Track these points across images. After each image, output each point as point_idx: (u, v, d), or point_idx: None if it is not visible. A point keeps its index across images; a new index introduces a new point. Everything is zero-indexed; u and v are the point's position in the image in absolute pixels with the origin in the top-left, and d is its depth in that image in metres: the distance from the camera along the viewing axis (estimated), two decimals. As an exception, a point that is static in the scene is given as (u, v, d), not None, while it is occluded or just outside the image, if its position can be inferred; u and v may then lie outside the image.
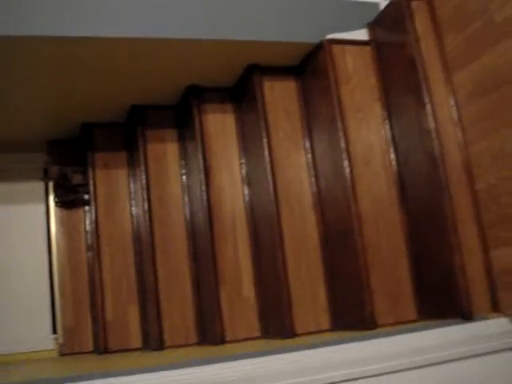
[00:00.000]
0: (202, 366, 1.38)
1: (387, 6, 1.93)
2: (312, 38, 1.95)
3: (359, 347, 1.51)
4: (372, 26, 2.00)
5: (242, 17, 1.89)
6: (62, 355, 2.25)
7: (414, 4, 1.86)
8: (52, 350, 2.29)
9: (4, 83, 1.91)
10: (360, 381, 1.46)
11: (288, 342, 1.76)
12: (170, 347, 2.07)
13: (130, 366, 1.56)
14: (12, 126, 2.27)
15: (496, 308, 1.68)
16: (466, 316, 1.62)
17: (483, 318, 1.64)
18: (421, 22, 1.86)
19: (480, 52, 1.70)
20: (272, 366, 1.41)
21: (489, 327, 1.62)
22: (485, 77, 1.69)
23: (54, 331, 2.32)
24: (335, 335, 1.74)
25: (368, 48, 1.99)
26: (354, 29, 2.01)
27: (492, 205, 1.68)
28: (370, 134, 1.92)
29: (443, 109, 1.79)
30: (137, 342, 2.20)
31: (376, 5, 2.04)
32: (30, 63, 1.80)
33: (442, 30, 1.85)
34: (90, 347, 2.25)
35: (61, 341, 2.27)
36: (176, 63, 1.98)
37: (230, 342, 1.97)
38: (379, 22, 1.97)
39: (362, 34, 2.01)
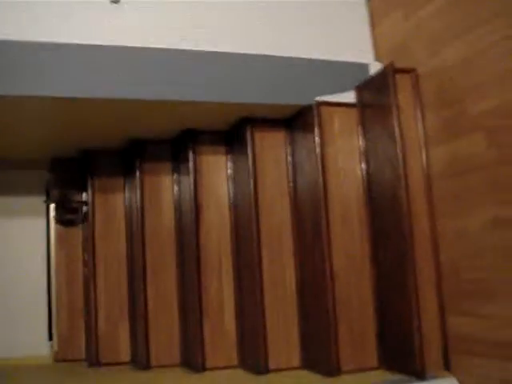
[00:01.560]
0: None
1: (375, 74, 2.06)
2: (303, 100, 2.09)
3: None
4: (360, 89, 2.14)
5: (237, 81, 2.02)
6: (56, 361, 2.46)
7: (398, 77, 1.99)
8: (47, 356, 2.49)
9: (11, 116, 2.04)
10: None
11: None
12: (155, 367, 2.28)
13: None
14: (16, 147, 2.43)
15: (448, 369, 1.88)
16: (419, 375, 1.83)
17: (435, 377, 1.84)
18: (403, 95, 2.00)
19: (453, 136, 1.86)
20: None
21: (440, 386, 1.83)
22: (454, 161, 1.86)
23: (50, 338, 2.51)
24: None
25: (354, 110, 2.13)
26: (344, 90, 2.14)
27: (452, 278, 1.87)
28: (349, 193, 2.08)
29: (417, 183, 1.95)
30: (126, 356, 2.40)
31: (366, 66, 2.17)
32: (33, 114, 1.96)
33: (423, 106, 1.99)
34: (83, 356, 2.45)
35: (56, 348, 2.48)
36: (176, 113, 2.13)
37: (211, 369, 2.18)
38: (367, 87, 2.10)
39: (350, 96, 2.14)
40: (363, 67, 2.16)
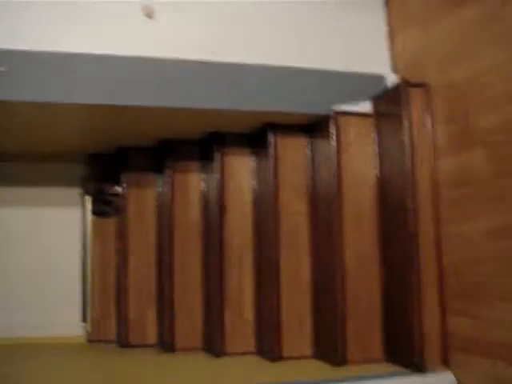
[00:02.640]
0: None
1: (390, 87, 2.20)
2: (321, 110, 2.24)
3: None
4: (376, 100, 2.28)
5: (260, 90, 2.20)
6: (89, 342, 2.69)
7: (411, 90, 2.13)
8: (81, 336, 2.72)
9: (54, 118, 2.26)
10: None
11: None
12: (179, 350, 2.48)
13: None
14: (55, 143, 2.64)
15: (446, 365, 2.03)
16: (419, 368, 1.98)
17: (433, 372, 2.00)
18: (416, 108, 2.13)
19: (458, 149, 2.00)
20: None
21: (437, 380, 1.99)
22: (458, 172, 2.00)
23: (84, 320, 2.74)
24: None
25: (370, 120, 2.28)
26: (361, 100, 2.28)
27: (453, 280, 2.02)
28: (362, 196, 2.24)
29: (424, 189, 2.09)
30: (153, 339, 2.60)
31: (383, 77, 2.30)
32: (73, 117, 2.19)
33: (434, 119, 2.13)
34: (114, 337, 2.66)
35: (89, 329, 2.71)
36: (203, 119, 2.32)
37: (229, 354, 2.37)
38: (382, 98, 2.24)
39: (366, 106, 2.28)
40: (380, 79, 2.29)
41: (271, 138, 2.35)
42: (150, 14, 2.11)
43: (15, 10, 1.98)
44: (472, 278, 1.93)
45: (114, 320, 2.69)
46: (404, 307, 2.07)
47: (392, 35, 2.39)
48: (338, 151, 2.22)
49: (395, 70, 2.35)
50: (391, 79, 2.27)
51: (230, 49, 2.22)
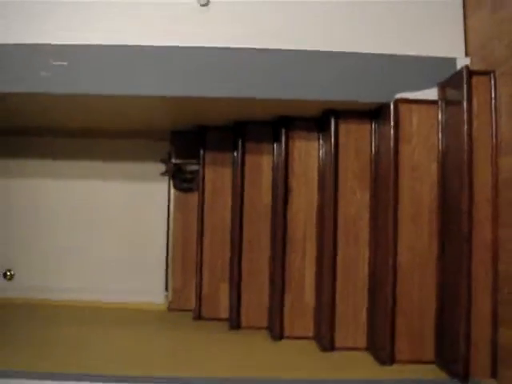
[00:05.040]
0: None
1: (455, 73, 2.03)
2: (383, 98, 2.14)
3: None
4: (442, 86, 2.11)
5: (323, 80, 2.15)
6: (169, 310, 2.85)
7: (474, 79, 1.95)
8: (162, 304, 2.89)
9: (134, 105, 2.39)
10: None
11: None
12: (245, 327, 2.56)
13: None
14: (141, 122, 2.78)
15: (495, 378, 1.90)
16: (462, 378, 1.88)
17: (478, 383, 1.89)
18: (478, 97, 1.95)
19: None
20: None
21: (480, 392, 1.88)
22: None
23: (166, 289, 2.91)
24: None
25: (435, 107, 2.12)
26: (428, 86, 2.13)
27: (505, 287, 1.87)
28: (422, 190, 2.12)
29: (483, 191, 1.93)
30: (224, 313, 2.69)
31: (453, 60, 2.13)
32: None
33: (499, 110, 1.93)
34: (192, 306, 2.79)
35: (170, 298, 2.87)
36: (271, 105, 2.32)
37: (288, 337, 2.41)
38: (449, 85, 2.08)
39: (433, 93, 2.13)
40: (450, 63, 2.12)
41: (333, 124, 2.29)
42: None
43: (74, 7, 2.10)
44: (526, 288, 1.78)
45: (193, 291, 2.80)
46: (454, 312, 1.96)
47: (466, 17, 2.18)
48: (397, 141, 2.11)
49: (467, 54, 2.15)
50: (463, 63, 2.07)
51: (292, 36, 2.19)
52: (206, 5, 2.13)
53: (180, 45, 2.14)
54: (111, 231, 2.99)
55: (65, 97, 2.16)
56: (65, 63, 2.09)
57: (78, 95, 2.14)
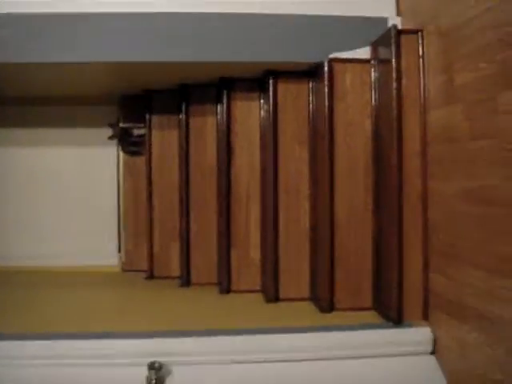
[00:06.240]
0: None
1: (385, 32, 2.10)
2: (317, 58, 2.20)
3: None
4: (374, 45, 2.19)
5: (261, 41, 2.21)
6: (123, 271, 2.93)
7: (403, 38, 2.03)
8: (116, 266, 2.97)
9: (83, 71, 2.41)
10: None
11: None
12: (195, 284, 2.66)
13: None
14: (89, 88, 2.80)
15: (427, 321, 2.03)
16: (395, 321, 2.01)
17: (410, 325, 2.02)
18: (408, 56, 2.04)
19: (443, 104, 1.91)
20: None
21: (412, 334, 2.00)
22: (442, 128, 1.91)
23: (119, 251, 2.98)
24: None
25: (367, 66, 2.20)
26: (361, 46, 2.21)
27: (433, 237, 1.98)
28: (357, 146, 2.21)
29: (412, 145, 2.03)
30: (176, 272, 2.78)
31: (385, 20, 2.20)
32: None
33: (425, 68, 2.02)
34: (145, 268, 2.87)
35: (123, 259, 2.94)
36: (211, 68, 2.38)
37: (235, 291, 2.51)
38: (380, 43, 2.15)
39: (366, 52, 2.21)
40: (382, 22, 2.18)
41: (271, 83, 2.35)
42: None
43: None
44: (447, 238, 1.89)
45: (145, 252, 2.88)
46: (388, 260, 2.07)
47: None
48: (332, 98, 2.19)
49: (399, 13, 2.22)
50: (394, 23, 2.14)
51: (231, 1, 2.22)
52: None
53: (122, 11, 2.15)
54: (62, 196, 3.02)
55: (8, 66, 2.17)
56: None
57: (20, 64, 2.15)
